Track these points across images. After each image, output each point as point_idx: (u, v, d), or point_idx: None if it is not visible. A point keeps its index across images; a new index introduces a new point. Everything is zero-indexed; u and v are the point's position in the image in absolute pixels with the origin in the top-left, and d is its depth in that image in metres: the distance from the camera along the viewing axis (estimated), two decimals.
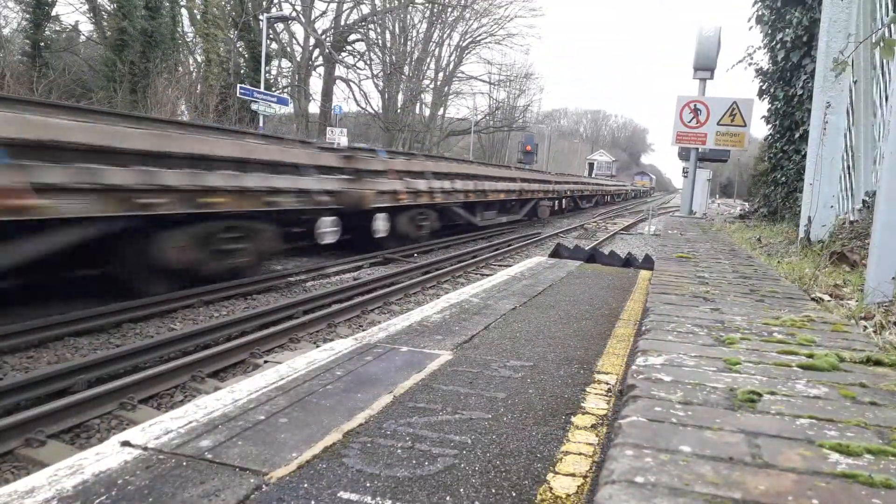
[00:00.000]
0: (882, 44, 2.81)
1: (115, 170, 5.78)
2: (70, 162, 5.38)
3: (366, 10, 35.96)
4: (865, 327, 2.51)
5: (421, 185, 12.15)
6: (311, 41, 33.92)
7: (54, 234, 5.69)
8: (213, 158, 6.98)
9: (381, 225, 11.28)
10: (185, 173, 6.57)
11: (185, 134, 6.81)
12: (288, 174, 8.30)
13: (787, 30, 9.40)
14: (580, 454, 1.51)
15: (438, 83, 42.79)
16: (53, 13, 20.78)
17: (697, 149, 11.21)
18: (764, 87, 11.03)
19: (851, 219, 6.14)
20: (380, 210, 11.12)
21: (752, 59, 11.22)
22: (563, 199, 30.59)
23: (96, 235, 6.04)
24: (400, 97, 38.98)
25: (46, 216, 5.25)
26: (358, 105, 39.82)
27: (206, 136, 7.17)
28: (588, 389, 2.00)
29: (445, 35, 41.47)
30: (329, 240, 9.93)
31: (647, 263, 5.38)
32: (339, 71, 36.66)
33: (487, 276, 8.24)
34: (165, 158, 6.34)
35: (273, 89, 26.47)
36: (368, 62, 37.81)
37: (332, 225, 9.93)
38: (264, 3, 27.86)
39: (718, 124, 10.55)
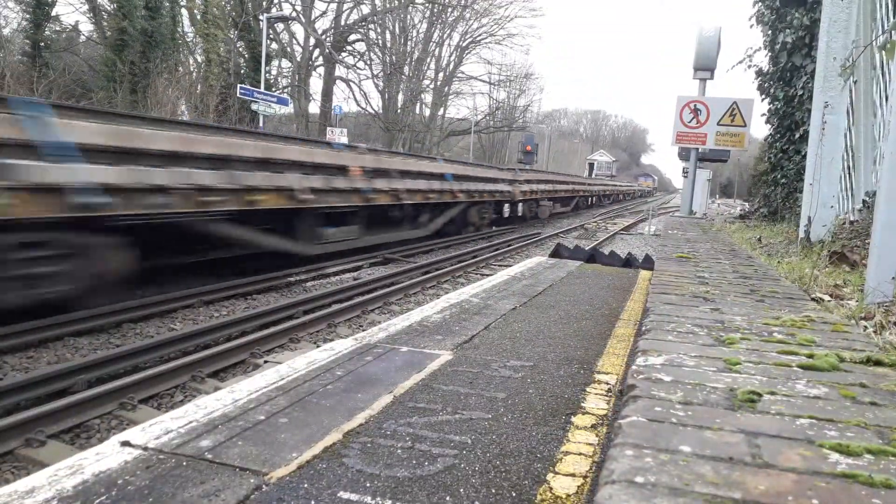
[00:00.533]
0: (888, 46, 2.81)
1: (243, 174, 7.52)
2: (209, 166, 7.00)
3: (366, 10, 35.97)
4: (865, 327, 2.51)
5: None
6: (312, 41, 33.92)
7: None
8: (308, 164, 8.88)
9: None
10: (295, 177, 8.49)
11: (285, 146, 8.49)
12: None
13: (788, 30, 9.40)
14: (580, 454, 1.51)
15: (438, 83, 42.79)
16: (53, 13, 20.78)
17: (697, 149, 11.21)
18: (764, 88, 11.03)
19: (851, 219, 6.14)
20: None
21: (751, 59, 11.23)
22: (592, 198, 35.94)
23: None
24: (400, 97, 38.99)
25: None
26: (358, 105, 39.84)
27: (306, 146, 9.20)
28: (588, 389, 2.00)
29: (445, 35, 41.50)
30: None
31: (648, 263, 5.38)
32: (340, 71, 36.69)
33: (487, 276, 8.24)
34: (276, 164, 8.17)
35: (273, 89, 26.47)
36: (368, 62, 37.84)
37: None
38: (264, 3, 27.86)
39: (718, 124, 10.55)
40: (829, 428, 1.32)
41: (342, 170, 9.75)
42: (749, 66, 11.19)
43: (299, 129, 32.04)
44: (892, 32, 5.09)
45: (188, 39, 26.72)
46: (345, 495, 1.28)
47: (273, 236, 8.86)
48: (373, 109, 39.59)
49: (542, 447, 1.54)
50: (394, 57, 37.69)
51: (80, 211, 5.62)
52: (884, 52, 2.91)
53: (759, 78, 11.05)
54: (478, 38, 42.81)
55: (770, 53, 10.53)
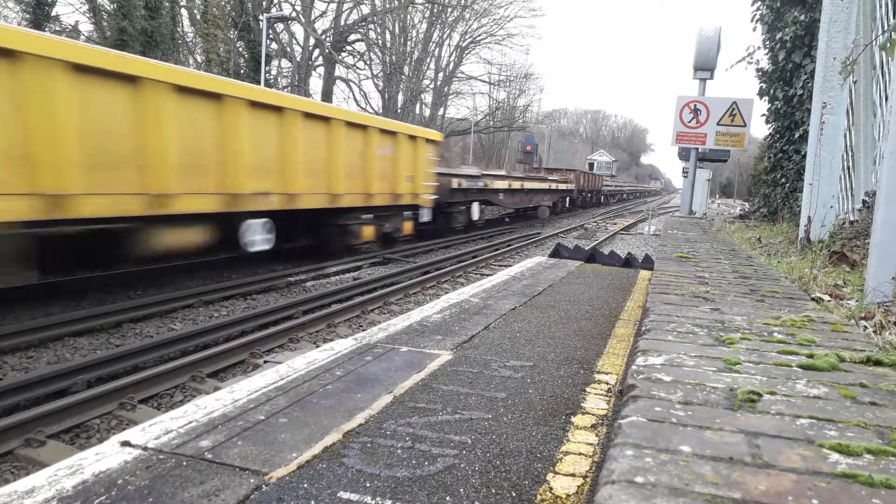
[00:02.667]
0: (889, 45, 2.80)
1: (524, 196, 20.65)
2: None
3: (366, 10, 35.95)
4: (865, 327, 2.50)
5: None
6: (311, 41, 33.91)
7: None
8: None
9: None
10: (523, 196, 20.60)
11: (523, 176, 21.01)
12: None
13: (787, 29, 9.40)
14: (580, 454, 1.51)
15: (438, 83, 42.78)
16: (53, 13, 20.77)
17: (697, 149, 11.20)
18: (764, 87, 11.03)
19: (851, 219, 6.13)
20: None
21: (752, 58, 11.22)
22: (624, 194, 50.28)
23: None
24: (400, 97, 38.97)
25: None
26: (358, 105, 39.83)
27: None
28: (588, 389, 2.00)
29: (445, 35, 41.49)
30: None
31: (647, 263, 5.38)
32: (339, 71, 36.68)
33: (487, 276, 8.24)
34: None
35: (273, 89, 26.48)
36: (368, 62, 37.83)
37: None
38: (264, 4, 27.85)
39: (718, 124, 10.54)
40: (829, 428, 1.32)
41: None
42: (749, 64, 11.19)
43: None
44: (894, 33, 5.10)
45: (188, 39, 26.73)
46: (345, 495, 1.28)
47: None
48: (373, 109, 39.60)
49: (541, 447, 1.54)
50: (394, 57, 37.68)
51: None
52: (884, 51, 2.91)
53: (759, 76, 11.05)
54: (478, 38, 42.83)
55: (769, 53, 10.53)
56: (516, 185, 20.10)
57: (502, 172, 22.77)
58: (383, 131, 11.72)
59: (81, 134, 5.76)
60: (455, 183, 15.37)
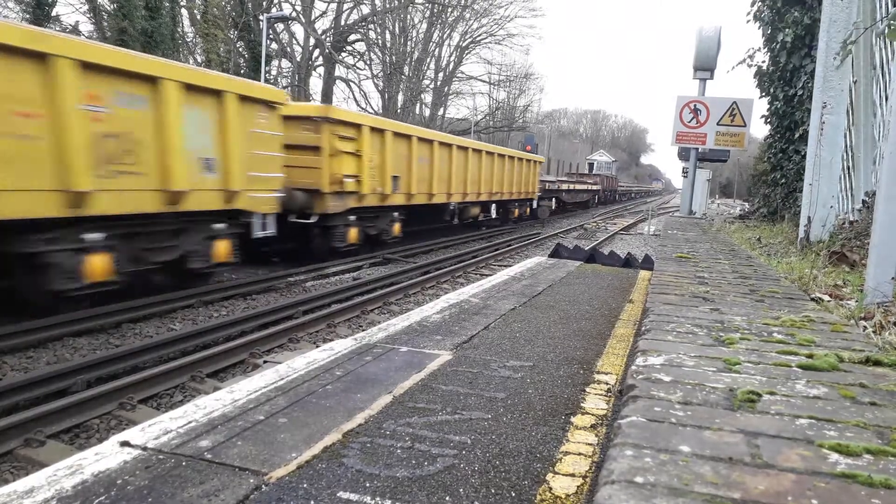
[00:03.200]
0: (888, 29, 2.79)
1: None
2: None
3: (366, 10, 35.93)
4: (865, 327, 2.50)
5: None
6: (311, 41, 33.90)
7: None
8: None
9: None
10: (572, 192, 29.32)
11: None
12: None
13: (787, 30, 9.40)
14: (580, 454, 1.51)
15: (438, 83, 42.77)
16: (54, 13, 20.77)
17: (697, 149, 11.21)
18: (764, 87, 11.04)
19: (851, 219, 6.14)
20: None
21: (752, 59, 11.22)
22: (632, 193, 61.91)
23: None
24: (400, 97, 38.96)
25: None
26: (358, 105, 39.82)
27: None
28: (588, 389, 2.00)
29: (445, 35, 41.47)
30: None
31: (647, 263, 5.38)
32: (339, 71, 36.66)
33: (487, 276, 8.25)
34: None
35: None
36: (368, 62, 37.81)
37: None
38: (264, 4, 27.84)
39: (718, 124, 10.55)
40: (828, 428, 1.32)
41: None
42: (749, 66, 11.19)
43: None
44: (891, 23, 5.11)
45: (188, 39, 26.72)
46: (344, 495, 1.28)
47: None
48: (373, 109, 39.60)
49: (541, 447, 1.54)
50: (394, 57, 37.68)
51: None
52: (888, 33, 2.89)
53: (759, 77, 11.05)
54: (478, 38, 42.82)
55: (770, 53, 10.53)
56: (572, 186, 30.16)
57: (564, 178, 33.97)
58: (502, 156, 18.36)
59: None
60: (546, 185, 24.81)
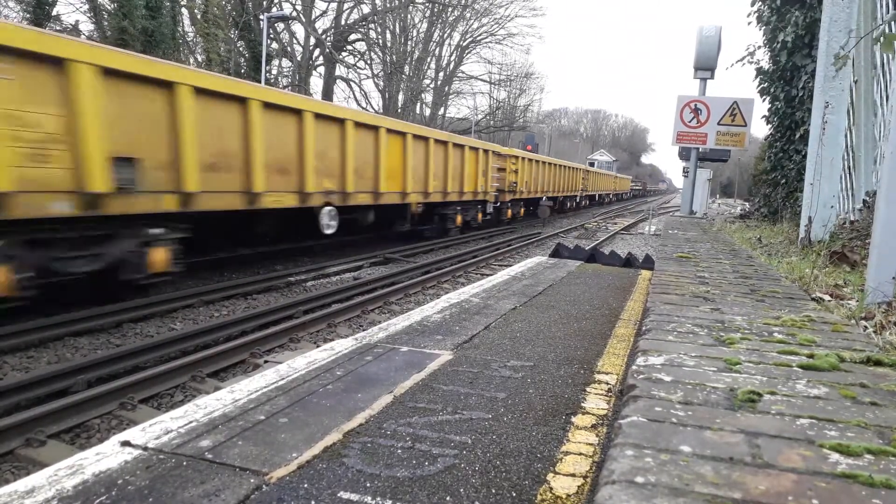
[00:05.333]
0: (882, 39, 2.81)
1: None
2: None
3: (366, 9, 35.93)
4: (866, 327, 2.50)
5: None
6: (312, 41, 33.90)
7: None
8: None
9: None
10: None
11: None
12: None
13: (788, 29, 9.39)
14: (580, 454, 1.51)
15: (439, 83, 42.76)
16: (54, 13, 20.78)
17: (698, 148, 11.21)
18: (764, 87, 11.03)
19: (852, 219, 6.13)
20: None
21: (752, 57, 11.21)
22: (639, 191, 70.19)
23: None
24: (400, 97, 38.95)
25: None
26: (358, 104, 39.81)
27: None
28: (588, 389, 2.00)
29: (446, 35, 41.46)
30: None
31: (648, 263, 5.38)
32: (340, 70, 36.66)
33: (488, 275, 8.24)
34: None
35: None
36: (369, 62, 37.80)
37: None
38: (265, 3, 27.84)
39: (719, 124, 10.55)
40: (829, 428, 1.32)
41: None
42: (749, 63, 11.17)
43: None
44: (889, 25, 5.09)
45: (188, 39, 26.72)
46: (345, 495, 1.28)
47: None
48: (373, 109, 39.62)
49: (542, 447, 1.54)
50: (394, 56, 37.67)
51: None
52: (881, 44, 2.90)
53: (760, 77, 11.04)
54: (478, 38, 42.80)
55: (770, 53, 10.52)
56: (639, 185, 41.70)
57: (636, 180, 47.17)
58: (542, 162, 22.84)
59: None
60: (632, 186, 34.84)
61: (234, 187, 7.70)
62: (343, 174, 9.96)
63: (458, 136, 15.31)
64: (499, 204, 18.40)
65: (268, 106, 8.12)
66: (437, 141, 13.22)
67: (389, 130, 11.28)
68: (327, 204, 9.61)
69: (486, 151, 16.42)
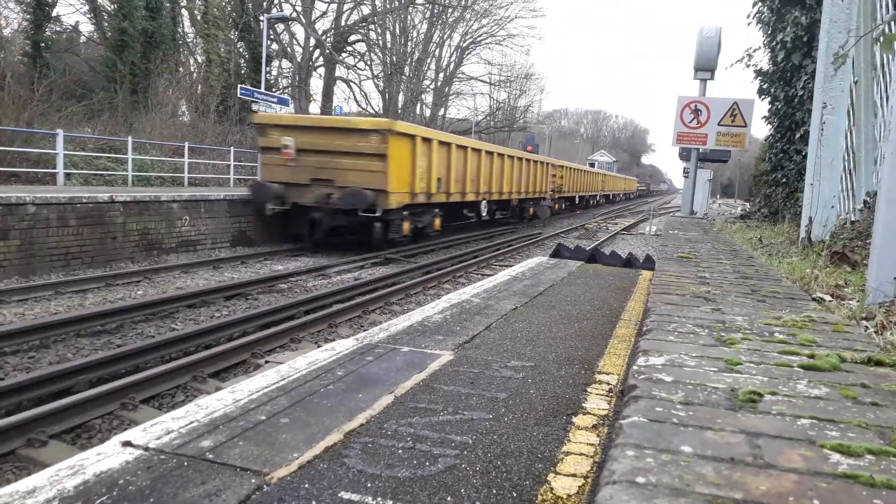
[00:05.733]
0: (882, 39, 2.80)
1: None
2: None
3: (366, 10, 35.91)
4: (867, 327, 2.50)
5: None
6: (312, 42, 33.89)
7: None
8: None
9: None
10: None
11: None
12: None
13: (788, 30, 9.39)
14: (581, 454, 1.51)
15: (439, 84, 42.74)
16: (54, 14, 20.77)
17: (698, 149, 11.21)
18: (764, 88, 11.03)
19: (852, 219, 6.13)
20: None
21: (751, 59, 11.21)
22: (643, 192, 70.63)
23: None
24: (400, 98, 38.93)
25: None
26: (358, 105, 39.78)
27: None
28: (589, 390, 2.00)
29: (446, 36, 41.44)
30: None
31: (648, 264, 5.38)
32: (340, 71, 36.65)
33: (488, 276, 8.24)
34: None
35: (274, 90, 26.42)
36: (369, 63, 37.79)
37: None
38: (265, 4, 27.85)
39: (719, 125, 10.55)
40: (830, 428, 1.32)
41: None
42: (748, 66, 11.17)
43: None
44: (889, 25, 5.09)
45: (188, 40, 26.69)
46: (346, 495, 1.28)
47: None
48: (373, 110, 39.58)
49: (542, 447, 1.54)
50: (394, 57, 37.66)
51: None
52: (881, 45, 2.90)
53: (759, 78, 11.04)
54: (478, 39, 42.79)
55: (770, 53, 10.52)
56: (644, 186, 45.72)
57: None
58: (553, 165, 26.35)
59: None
60: (638, 187, 40.07)
61: (459, 190, 14.92)
62: (490, 182, 17.08)
63: (532, 155, 22.80)
64: (550, 200, 24.74)
65: (488, 153, 16.76)
66: (523, 160, 20.57)
67: (500, 154, 18.01)
68: (485, 199, 17.01)
69: (546, 164, 23.62)
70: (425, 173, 12.81)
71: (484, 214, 17.38)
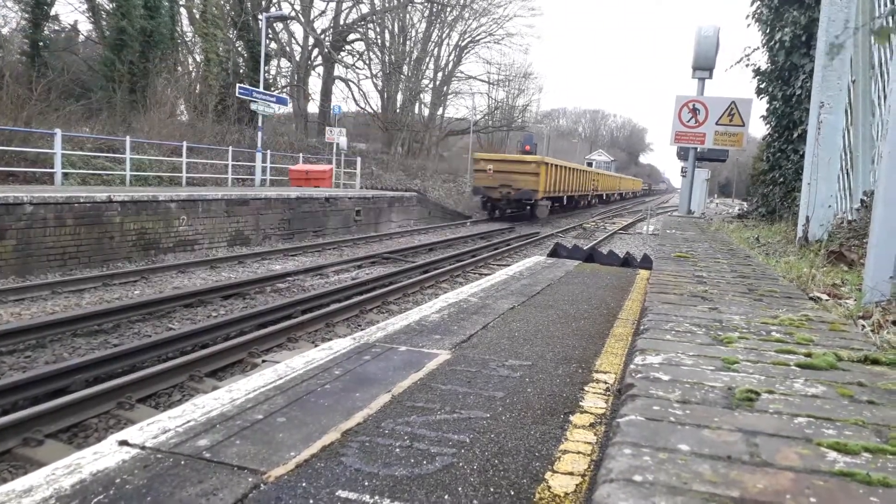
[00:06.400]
0: (879, 31, 2.80)
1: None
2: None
3: (365, 9, 35.91)
4: (863, 326, 2.50)
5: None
6: (311, 41, 33.88)
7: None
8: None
9: None
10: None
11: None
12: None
13: (786, 29, 9.39)
14: (578, 453, 1.51)
15: (437, 83, 42.71)
16: (52, 13, 20.73)
17: (696, 148, 11.21)
18: (762, 87, 11.03)
19: (849, 218, 6.14)
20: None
21: (749, 59, 11.21)
22: (646, 191, 75.09)
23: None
24: (399, 97, 38.89)
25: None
26: (357, 105, 39.78)
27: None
28: (586, 388, 2.00)
29: (444, 35, 41.40)
30: None
31: (646, 263, 5.39)
32: (339, 70, 36.63)
33: (486, 275, 8.24)
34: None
35: (272, 89, 26.41)
36: (367, 62, 37.77)
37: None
38: (263, 3, 27.81)
39: (717, 124, 10.54)
40: (826, 426, 1.32)
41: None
42: (747, 66, 11.17)
43: (298, 129, 31.99)
44: (887, 18, 5.09)
45: (187, 39, 26.65)
46: (343, 494, 1.28)
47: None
48: (372, 109, 39.57)
49: (540, 446, 1.54)
50: (393, 56, 37.64)
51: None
52: (877, 36, 2.90)
53: (757, 77, 11.04)
54: (477, 38, 42.75)
55: (768, 53, 10.52)
56: (646, 186, 58.34)
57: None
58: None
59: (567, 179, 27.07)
60: (642, 187, 60.14)
61: (562, 190, 25.98)
62: (570, 185, 27.28)
63: (582, 166, 33.46)
64: (590, 196, 34.35)
65: (565, 167, 27.11)
66: (578, 169, 30.23)
67: (570, 168, 27.85)
68: (565, 195, 26.66)
69: (587, 172, 33.51)
70: (550, 182, 23.54)
71: (564, 202, 27.78)
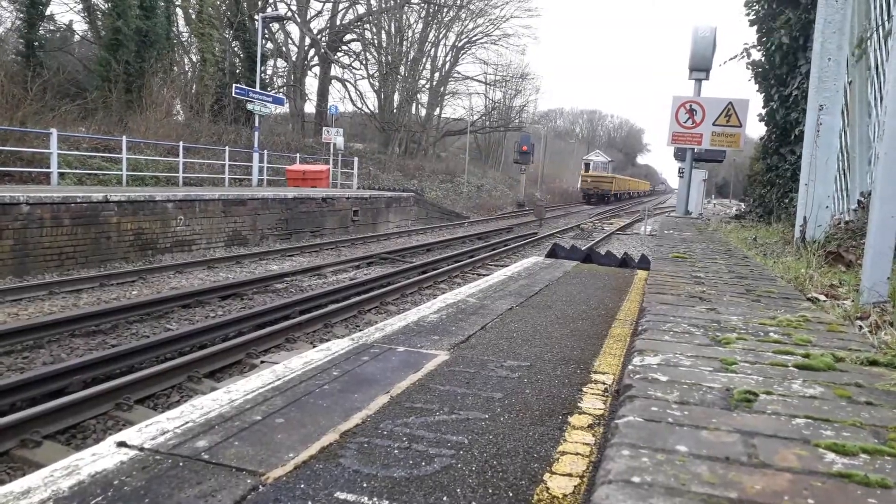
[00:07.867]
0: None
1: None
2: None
3: (361, 9, 35.89)
4: (861, 327, 2.51)
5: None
6: (307, 41, 33.87)
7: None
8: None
9: None
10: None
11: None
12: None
13: (782, 30, 9.42)
14: (577, 454, 1.51)
15: (434, 83, 42.73)
16: (48, 12, 20.68)
17: (693, 149, 11.23)
18: (759, 88, 11.06)
19: (847, 219, 6.16)
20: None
21: (748, 55, 11.22)
22: (648, 192, 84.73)
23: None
24: (396, 97, 38.87)
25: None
26: (354, 105, 39.78)
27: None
28: (585, 389, 2.00)
29: (441, 35, 41.41)
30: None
31: (644, 263, 5.39)
32: (335, 71, 36.60)
33: (484, 276, 8.24)
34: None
35: (269, 89, 26.35)
36: (364, 62, 37.76)
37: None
38: (259, 3, 27.78)
39: (714, 125, 10.57)
40: (824, 427, 1.33)
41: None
42: (747, 67, 11.19)
43: (295, 129, 31.97)
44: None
45: (183, 39, 26.60)
46: (342, 496, 1.27)
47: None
48: (368, 109, 39.57)
49: (538, 447, 1.55)
50: (389, 57, 37.63)
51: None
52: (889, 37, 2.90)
53: (755, 78, 11.06)
54: (473, 39, 42.79)
55: (765, 54, 10.54)
56: (652, 187, 77.28)
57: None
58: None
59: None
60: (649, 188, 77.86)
61: (617, 189, 51.91)
62: (619, 187, 53.13)
63: (617, 174, 53.23)
64: (618, 194, 50.03)
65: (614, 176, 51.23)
66: (614, 177, 49.71)
67: (609, 177, 48.88)
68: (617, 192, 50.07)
69: (624, 179, 53.93)
70: (615, 186, 43.84)
71: (619, 196, 41.52)
